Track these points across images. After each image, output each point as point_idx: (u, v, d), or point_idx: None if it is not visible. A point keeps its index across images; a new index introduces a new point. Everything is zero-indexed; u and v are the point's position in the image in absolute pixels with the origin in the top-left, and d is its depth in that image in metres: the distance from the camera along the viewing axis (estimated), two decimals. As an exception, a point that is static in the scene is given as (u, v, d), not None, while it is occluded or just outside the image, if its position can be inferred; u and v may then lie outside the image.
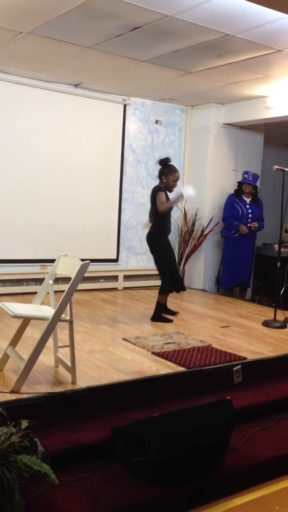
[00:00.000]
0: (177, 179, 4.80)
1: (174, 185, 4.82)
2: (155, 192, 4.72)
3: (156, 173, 6.65)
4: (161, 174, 4.82)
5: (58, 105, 5.88)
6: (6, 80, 5.49)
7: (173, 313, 5.00)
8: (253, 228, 6.24)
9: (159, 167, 4.86)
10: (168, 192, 4.80)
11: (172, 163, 4.90)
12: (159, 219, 4.74)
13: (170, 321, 4.79)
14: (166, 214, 4.74)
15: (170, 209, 4.72)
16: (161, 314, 4.85)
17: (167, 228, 4.78)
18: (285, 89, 5.54)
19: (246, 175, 6.36)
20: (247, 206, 6.33)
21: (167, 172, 4.77)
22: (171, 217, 4.89)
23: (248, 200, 6.36)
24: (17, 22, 3.93)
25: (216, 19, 3.66)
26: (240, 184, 6.41)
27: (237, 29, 3.84)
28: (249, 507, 2.52)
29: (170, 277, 4.78)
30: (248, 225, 6.24)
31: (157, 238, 4.79)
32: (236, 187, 6.47)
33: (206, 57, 4.54)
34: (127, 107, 6.38)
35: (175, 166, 4.89)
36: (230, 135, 6.80)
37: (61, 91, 5.86)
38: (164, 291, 4.83)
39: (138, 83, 5.71)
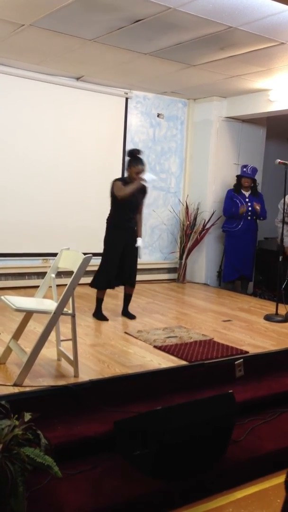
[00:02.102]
0: (139, 172, 4.46)
1: (138, 178, 4.46)
2: (111, 183, 4.54)
3: (158, 167, 6.73)
4: (127, 165, 4.60)
5: (60, 98, 5.86)
6: (8, 73, 5.46)
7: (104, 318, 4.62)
8: (257, 207, 6.22)
9: (129, 157, 4.62)
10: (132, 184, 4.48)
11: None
12: (113, 210, 4.59)
13: (105, 319, 4.57)
14: (122, 207, 4.49)
15: (128, 195, 4.40)
16: (99, 310, 4.64)
17: (119, 221, 4.53)
18: (288, 82, 5.52)
19: (244, 169, 6.36)
20: (246, 200, 6.32)
21: (130, 163, 4.53)
22: (129, 212, 4.57)
23: (247, 194, 6.36)
24: (18, 14, 3.91)
25: (219, 11, 3.64)
26: (239, 178, 6.40)
27: (239, 22, 3.81)
28: (251, 500, 2.53)
29: (103, 272, 4.56)
30: (249, 208, 6.25)
31: (107, 228, 4.61)
32: (235, 181, 6.47)
33: (208, 50, 4.52)
34: (129, 100, 6.36)
35: (143, 159, 4.61)
36: (232, 128, 6.77)
37: (63, 84, 5.84)
38: (94, 284, 4.63)
39: (140, 76, 5.68)
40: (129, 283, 4.70)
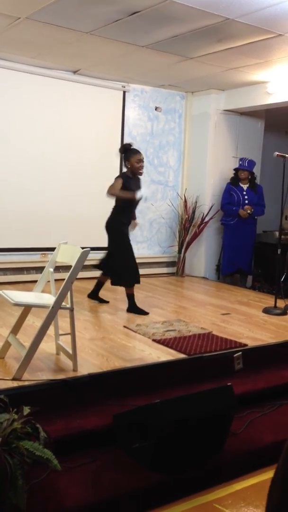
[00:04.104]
0: (140, 160, 4.52)
1: (140, 167, 4.54)
2: (116, 178, 4.57)
3: (156, 160, 6.71)
4: (124, 161, 4.63)
5: (57, 92, 5.83)
6: (4, 66, 5.43)
7: (104, 301, 4.88)
8: (249, 212, 6.21)
9: (123, 153, 4.65)
10: (132, 179, 4.55)
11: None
12: (120, 208, 4.58)
13: (146, 313, 4.60)
14: (131, 204, 4.55)
15: (119, 197, 4.49)
16: (135, 304, 4.69)
17: (128, 217, 4.63)
18: (286, 74, 5.49)
19: (241, 162, 6.35)
20: (244, 193, 6.32)
21: (128, 156, 4.55)
22: (135, 208, 4.67)
23: (245, 186, 6.35)
24: (14, 7, 3.88)
25: (216, 2, 3.61)
26: (236, 170, 6.39)
27: (237, 13, 3.79)
28: (250, 492, 2.54)
29: (130, 268, 4.61)
30: (244, 208, 6.23)
31: (117, 226, 4.60)
32: (233, 175, 6.46)
33: (206, 42, 4.49)
34: (126, 93, 6.33)
35: (138, 149, 4.69)
36: (230, 121, 6.75)
37: (60, 77, 5.81)
38: (128, 283, 4.66)
39: (137, 69, 5.65)
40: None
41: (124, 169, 4.68)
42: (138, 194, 4.46)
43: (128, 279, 4.64)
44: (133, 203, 4.57)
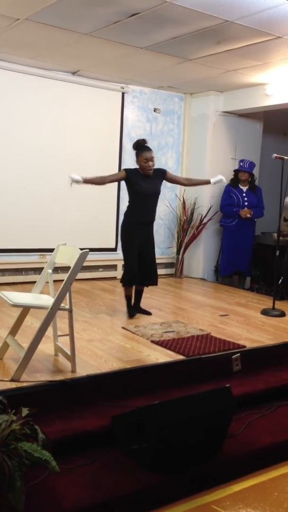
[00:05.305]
0: (147, 159, 4.27)
1: (147, 166, 4.29)
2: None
3: (155, 162, 6.69)
4: (135, 157, 4.40)
5: (56, 93, 5.83)
6: (3, 67, 5.43)
7: (145, 312, 4.66)
8: (248, 215, 6.22)
9: (135, 150, 4.42)
10: (143, 175, 4.35)
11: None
12: (129, 208, 4.49)
13: (132, 314, 4.55)
14: (138, 199, 4.37)
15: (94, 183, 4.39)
16: (129, 308, 4.63)
17: (134, 215, 4.41)
18: (285, 76, 5.50)
19: (241, 163, 6.36)
20: (243, 195, 6.32)
21: (137, 153, 4.35)
22: (147, 204, 4.42)
23: (244, 188, 6.36)
24: (14, 8, 3.88)
25: (216, 5, 3.62)
26: (236, 172, 6.40)
27: (236, 15, 3.80)
28: (248, 493, 2.54)
29: (127, 268, 4.50)
30: (245, 203, 6.23)
31: (122, 224, 4.54)
32: (233, 176, 6.46)
33: (205, 44, 4.50)
34: (125, 95, 6.34)
35: (150, 147, 4.40)
36: (229, 123, 6.76)
37: (59, 78, 5.81)
38: (122, 282, 4.60)
39: (136, 71, 5.66)
40: (152, 283, 4.61)
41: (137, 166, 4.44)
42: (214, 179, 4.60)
43: (123, 279, 4.59)
44: (143, 203, 4.39)
